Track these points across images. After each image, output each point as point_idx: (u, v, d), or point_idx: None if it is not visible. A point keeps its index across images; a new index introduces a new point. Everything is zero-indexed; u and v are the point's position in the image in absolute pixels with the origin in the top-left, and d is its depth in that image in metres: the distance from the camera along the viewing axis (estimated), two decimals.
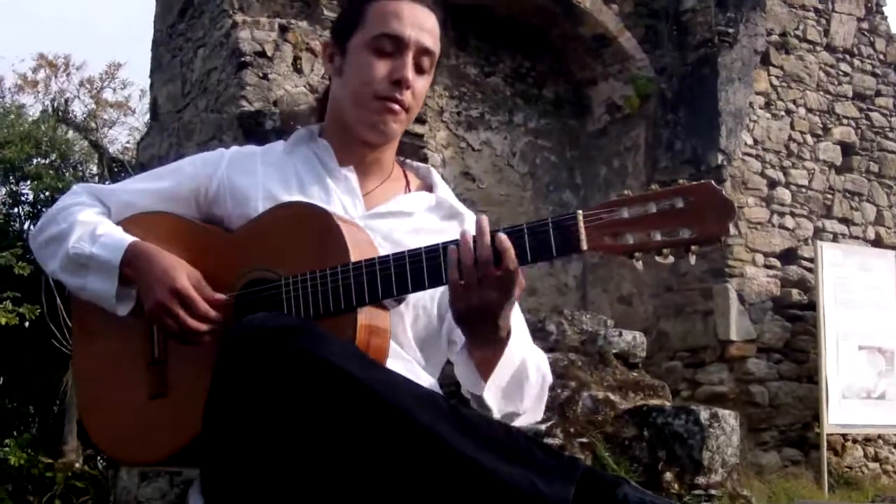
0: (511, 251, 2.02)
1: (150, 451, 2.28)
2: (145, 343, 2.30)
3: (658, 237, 1.95)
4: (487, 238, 2.02)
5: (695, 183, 1.96)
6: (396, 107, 2.35)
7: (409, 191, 2.50)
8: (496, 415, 2.18)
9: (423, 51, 2.37)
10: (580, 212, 2.00)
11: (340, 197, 2.37)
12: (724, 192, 1.95)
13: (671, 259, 1.97)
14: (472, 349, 2.16)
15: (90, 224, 2.37)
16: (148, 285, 2.24)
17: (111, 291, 2.28)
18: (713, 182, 1.97)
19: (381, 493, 1.87)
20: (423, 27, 2.37)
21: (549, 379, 2.32)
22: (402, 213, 2.41)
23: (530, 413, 2.27)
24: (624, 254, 1.99)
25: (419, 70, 2.38)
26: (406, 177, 2.54)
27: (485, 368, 2.15)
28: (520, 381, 2.21)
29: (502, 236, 2.03)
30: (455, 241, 2.07)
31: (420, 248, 2.11)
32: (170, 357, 2.27)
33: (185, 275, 2.24)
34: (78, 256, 2.32)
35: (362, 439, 1.85)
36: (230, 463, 1.91)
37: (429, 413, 1.87)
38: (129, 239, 2.32)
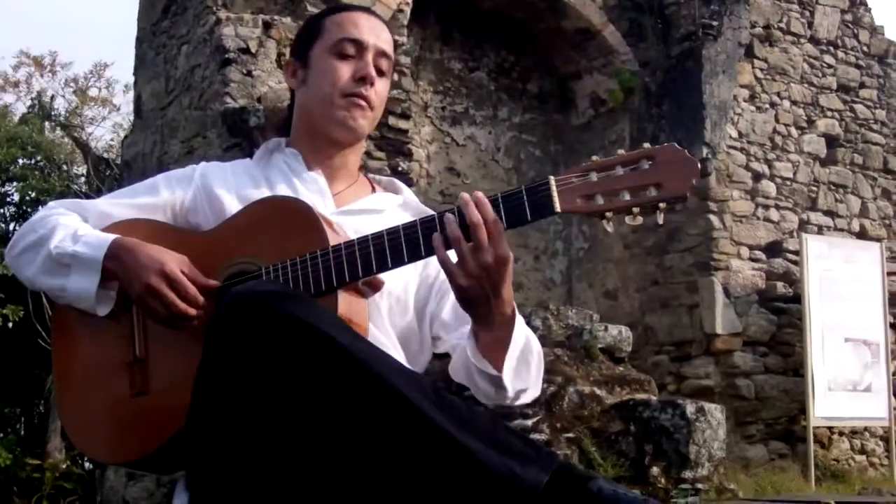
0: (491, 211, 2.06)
1: (129, 450, 2.28)
2: (126, 342, 2.31)
3: (627, 197, 2.04)
4: (472, 205, 2.06)
5: (659, 146, 2.06)
6: (363, 102, 2.47)
7: (375, 192, 2.60)
8: (510, 392, 2.23)
9: (381, 53, 2.51)
10: (551, 177, 2.09)
11: (310, 197, 2.42)
12: (686, 152, 2.05)
13: (639, 220, 2.06)
14: (480, 331, 2.18)
15: (72, 227, 2.39)
16: (135, 272, 2.26)
17: (92, 289, 2.30)
18: (676, 144, 2.07)
19: (362, 461, 1.91)
20: (378, 35, 2.52)
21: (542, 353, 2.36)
22: (372, 210, 2.50)
23: (533, 388, 2.31)
24: (594, 214, 2.07)
25: (379, 72, 2.50)
26: (371, 184, 2.64)
27: (497, 349, 2.19)
28: (527, 358, 2.25)
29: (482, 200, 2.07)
30: (430, 217, 2.14)
31: (398, 226, 2.15)
32: (150, 356, 2.28)
33: (173, 259, 2.27)
34: (61, 256, 2.33)
35: (345, 405, 1.89)
36: (219, 427, 1.94)
37: (412, 387, 1.92)
38: (113, 236, 2.35)
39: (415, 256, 2.13)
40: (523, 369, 2.24)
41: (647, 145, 2.06)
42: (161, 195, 2.49)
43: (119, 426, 2.29)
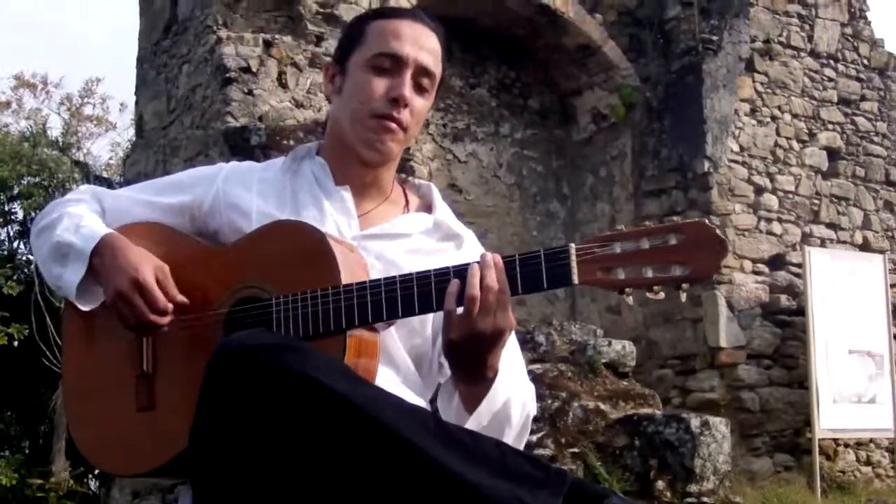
0: (504, 279, 2.03)
1: (136, 463, 2.28)
2: (134, 356, 2.30)
3: (650, 273, 1.98)
4: (493, 269, 2.02)
5: (688, 221, 1.99)
6: (394, 125, 2.33)
7: (408, 211, 2.47)
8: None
9: (422, 70, 2.35)
10: (572, 245, 2.02)
11: (335, 217, 2.35)
12: (717, 230, 1.98)
13: (661, 295, 1.99)
14: (457, 382, 2.16)
15: (77, 216, 2.39)
16: (112, 274, 2.25)
17: (75, 281, 2.30)
18: (707, 221, 2.00)
19: None
20: (422, 46, 2.35)
21: (533, 413, 2.30)
22: (397, 234, 2.39)
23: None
24: (615, 288, 2.01)
25: (419, 89, 2.36)
26: (406, 196, 2.52)
27: (469, 403, 2.15)
28: (500, 424, 2.19)
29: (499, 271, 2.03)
30: (445, 269, 2.09)
31: (412, 274, 2.11)
32: (158, 371, 2.28)
33: (150, 268, 2.25)
34: (60, 245, 2.34)
35: (346, 453, 1.85)
36: (217, 480, 1.91)
37: (413, 427, 1.87)
38: (105, 231, 2.34)
39: (426, 309, 2.11)
40: (495, 433, 2.16)
41: (676, 219, 1.99)
42: (183, 197, 2.44)
43: (126, 439, 2.28)
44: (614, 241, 2.00)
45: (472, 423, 2.13)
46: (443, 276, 2.09)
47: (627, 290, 2.00)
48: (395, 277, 2.11)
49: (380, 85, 2.32)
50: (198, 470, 1.96)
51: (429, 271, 2.11)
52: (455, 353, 2.09)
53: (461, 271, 2.07)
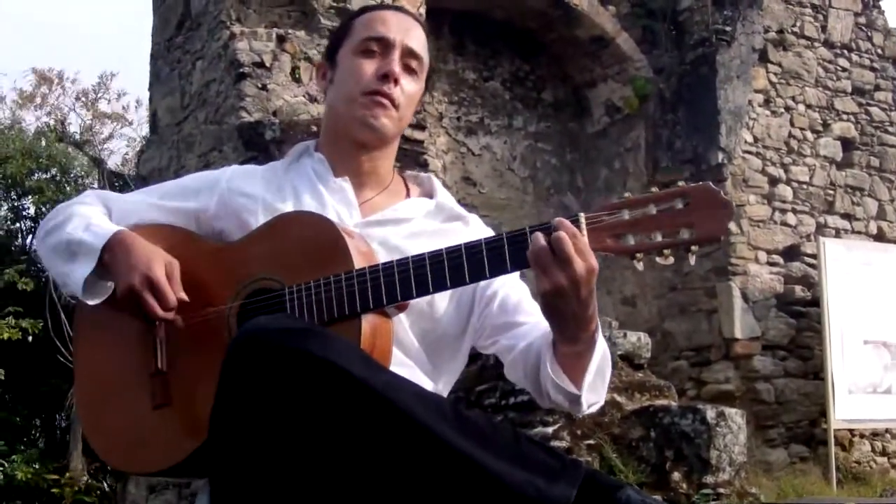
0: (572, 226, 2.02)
1: (153, 461, 2.28)
2: (147, 355, 2.31)
3: (659, 238, 1.98)
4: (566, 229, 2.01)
5: (693, 185, 2.00)
6: (385, 100, 2.38)
7: (409, 198, 2.50)
8: (584, 407, 2.20)
9: (409, 52, 2.42)
10: (582, 214, 2.02)
11: (336, 206, 2.37)
12: (722, 193, 1.99)
13: (671, 260, 2.00)
14: (561, 345, 2.14)
15: (87, 216, 2.41)
16: (124, 269, 2.28)
17: (84, 274, 2.31)
18: (711, 183, 2.01)
19: (383, 493, 1.89)
20: (408, 31, 2.43)
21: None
22: (399, 220, 2.42)
23: (602, 400, 2.27)
24: (625, 254, 2.02)
25: (409, 71, 2.42)
26: (406, 186, 2.54)
27: (576, 363, 2.15)
28: (603, 373, 2.21)
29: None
30: (457, 247, 2.10)
31: (424, 254, 2.12)
32: (172, 368, 2.28)
33: (161, 264, 2.28)
34: (69, 243, 2.36)
35: (365, 438, 1.86)
36: (237, 466, 1.92)
37: (431, 414, 1.88)
38: (117, 228, 2.36)
39: (440, 287, 2.13)
40: (599, 384, 2.20)
41: (681, 184, 2.01)
42: (189, 202, 2.46)
43: (142, 437, 2.28)
44: (623, 208, 2.01)
45: (585, 384, 2.15)
46: (454, 252, 2.10)
47: (638, 255, 2.01)
48: (407, 258, 2.13)
49: (369, 66, 2.39)
50: (216, 456, 1.97)
51: (440, 250, 2.11)
52: (556, 313, 2.06)
53: (518, 236, 2.08)
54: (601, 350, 2.18)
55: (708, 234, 1.97)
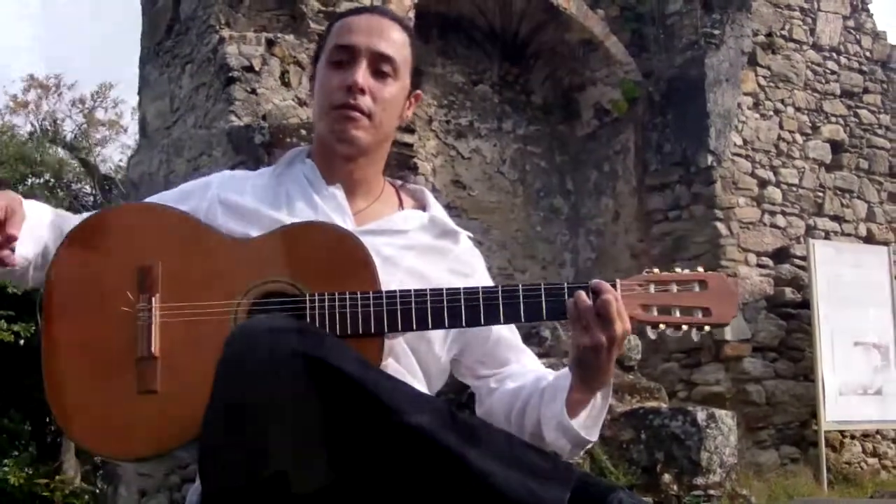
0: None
1: (136, 447, 2.23)
2: (130, 338, 2.25)
3: (677, 314, 2.23)
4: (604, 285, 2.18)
5: (709, 273, 2.27)
6: (352, 113, 2.34)
7: (402, 209, 2.49)
8: (581, 451, 2.35)
9: (378, 56, 2.37)
10: (618, 280, 2.22)
11: (330, 215, 2.36)
12: (732, 285, 2.27)
13: (680, 332, 2.25)
14: (577, 392, 2.24)
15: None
16: None
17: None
18: (725, 275, 2.31)
19: (376, 493, 1.89)
20: (379, 35, 2.39)
21: None
22: (395, 231, 2.41)
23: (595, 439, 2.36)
24: (649, 324, 2.23)
25: (380, 75, 2.38)
26: (399, 197, 2.53)
27: (580, 408, 2.26)
28: (601, 415, 2.31)
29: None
30: (493, 288, 2.22)
31: (459, 288, 2.22)
32: (161, 354, 2.23)
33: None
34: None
35: (357, 438, 1.87)
36: (229, 463, 1.90)
37: (426, 416, 1.88)
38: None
39: (474, 323, 2.23)
40: (594, 428, 2.30)
41: (700, 269, 2.26)
42: (183, 204, 2.42)
43: (124, 422, 2.22)
44: (650, 282, 2.25)
45: (583, 426, 2.26)
46: (491, 293, 2.22)
47: (660, 326, 2.23)
48: (441, 289, 2.20)
49: (335, 78, 2.36)
50: (208, 448, 1.95)
51: (477, 287, 2.22)
52: (586, 367, 2.19)
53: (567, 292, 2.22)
54: (603, 397, 2.29)
55: (719, 319, 2.23)
